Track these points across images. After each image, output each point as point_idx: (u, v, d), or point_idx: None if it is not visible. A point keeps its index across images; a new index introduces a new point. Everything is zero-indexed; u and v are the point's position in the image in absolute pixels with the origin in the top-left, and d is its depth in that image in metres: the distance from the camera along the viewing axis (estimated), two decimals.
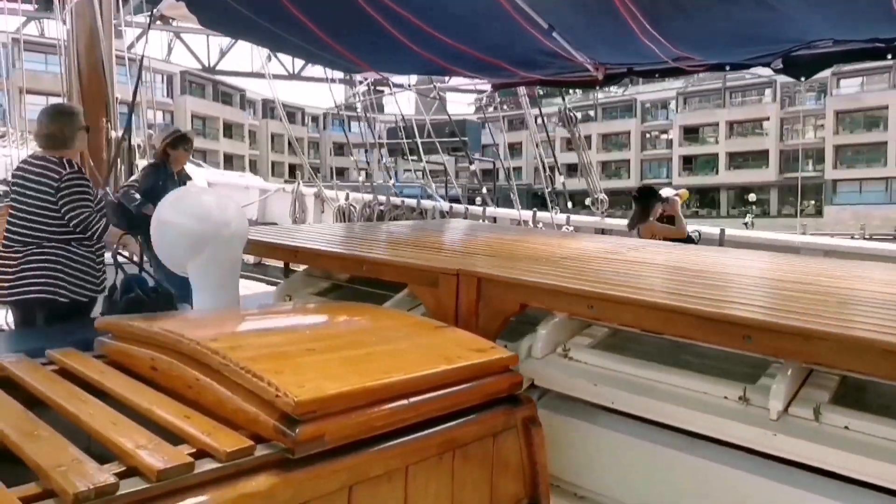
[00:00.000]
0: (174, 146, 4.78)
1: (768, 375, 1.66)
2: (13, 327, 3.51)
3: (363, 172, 8.28)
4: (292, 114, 57.37)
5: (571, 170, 9.46)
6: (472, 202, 7.87)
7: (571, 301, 1.75)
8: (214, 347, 1.32)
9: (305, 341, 1.45)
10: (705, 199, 50.39)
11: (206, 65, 31.62)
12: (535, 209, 6.62)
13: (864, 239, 19.10)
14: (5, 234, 3.27)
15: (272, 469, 1.11)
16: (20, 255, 3.18)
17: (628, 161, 52.42)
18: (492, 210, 6.80)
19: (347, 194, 7.98)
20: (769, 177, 47.81)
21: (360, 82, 9.55)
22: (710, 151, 50.42)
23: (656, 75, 5.02)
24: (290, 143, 55.00)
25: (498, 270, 1.98)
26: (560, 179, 6.70)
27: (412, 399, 1.34)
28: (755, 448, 1.52)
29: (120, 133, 5.77)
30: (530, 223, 6.30)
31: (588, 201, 6.46)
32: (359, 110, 8.90)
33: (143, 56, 5.50)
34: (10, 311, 5.18)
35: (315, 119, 58.76)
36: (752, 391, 1.58)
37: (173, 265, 2.56)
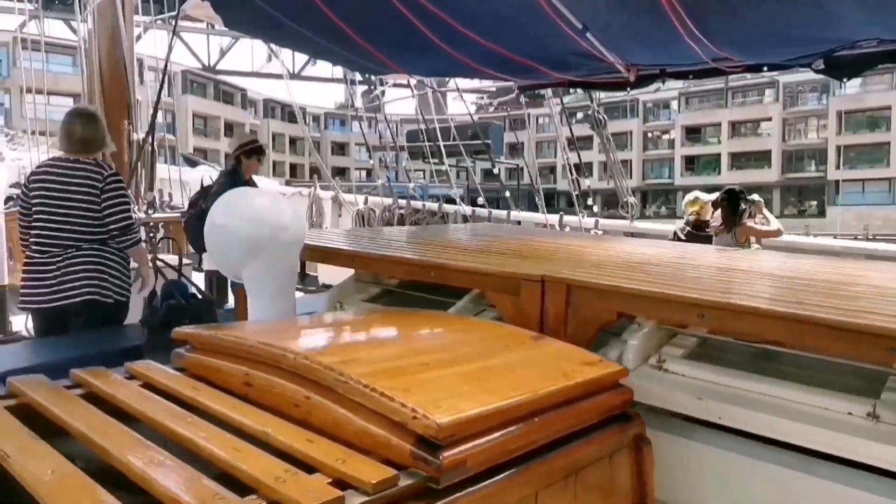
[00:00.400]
0: (248, 155, 4.81)
1: (891, 390, 1.56)
2: (34, 334, 3.41)
3: (381, 174, 8.18)
4: (293, 113, 57.21)
5: (576, 170, 9.38)
6: (474, 203, 7.78)
7: (679, 310, 1.65)
8: (327, 363, 1.22)
9: (414, 355, 1.35)
10: None
11: (207, 64, 31.55)
12: (561, 213, 6.52)
13: (868, 240, 19.01)
14: (36, 239, 3.16)
15: (416, 500, 1.00)
16: (59, 258, 3.09)
17: (630, 161, 52.40)
18: (516, 213, 6.69)
19: (366, 198, 7.87)
20: (772, 177, 47.76)
21: (371, 86, 9.44)
22: (712, 152, 50.39)
23: (690, 76, 4.93)
24: (291, 142, 55.07)
25: (590, 277, 1.88)
26: (586, 182, 6.60)
27: (541, 418, 1.24)
28: (891, 469, 1.41)
29: (141, 135, 5.67)
30: (556, 226, 6.20)
31: (615, 203, 6.35)
32: (380, 111, 8.77)
33: (167, 59, 5.40)
34: (29, 318, 5.13)
35: (316, 119, 58.69)
36: (882, 407, 1.47)
37: (227, 271, 2.46)
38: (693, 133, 51.39)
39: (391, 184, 8.71)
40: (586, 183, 6.68)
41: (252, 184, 4.88)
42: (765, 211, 4.88)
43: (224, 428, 1.18)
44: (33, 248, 3.17)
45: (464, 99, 7.81)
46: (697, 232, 5.05)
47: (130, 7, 5.68)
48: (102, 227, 3.18)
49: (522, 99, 6.71)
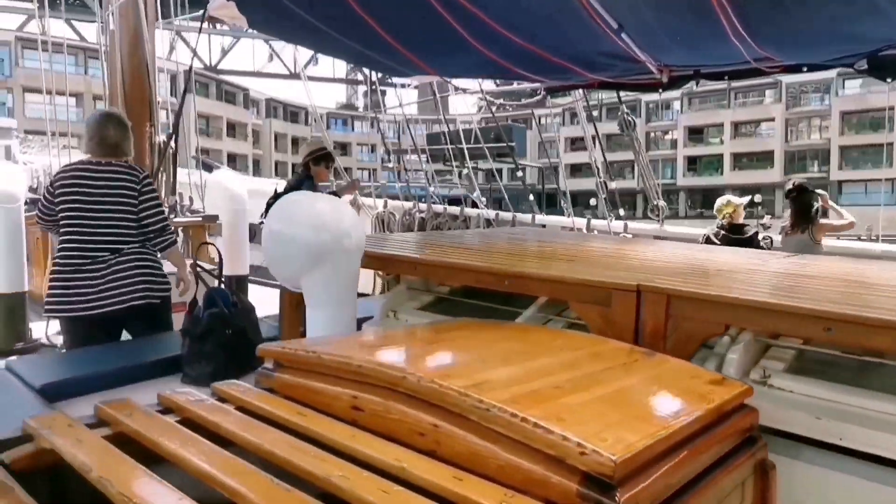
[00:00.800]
0: (316, 162, 4.84)
1: None
2: (67, 342, 3.30)
3: (402, 177, 8.04)
4: (295, 113, 57.25)
5: (576, 170, 9.29)
6: (475, 205, 7.66)
7: (801, 323, 1.54)
8: (460, 387, 1.10)
9: (540, 376, 1.24)
10: (710, 200, 50.25)
11: (209, 64, 31.49)
12: (588, 216, 6.39)
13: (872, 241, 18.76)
14: (71, 244, 3.04)
15: None
16: (102, 263, 3.02)
17: (632, 161, 52.30)
18: (541, 217, 6.56)
19: (385, 201, 7.73)
20: (774, 177, 47.68)
21: (374, 86, 9.30)
22: (714, 152, 50.31)
23: (725, 77, 4.85)
24: (293, 142, 54.91)
25: (692, 286, 1.76)
26: (612, 185, 6.48)
27: (691, 447, 1.13)
28: None
29: (162, 138, 5.56)
30: (584, 230, 6.07)
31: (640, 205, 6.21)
32: (391, 112, 8.66)
33: (192, 59, 5.30)
34: (50, 325, 4.99)
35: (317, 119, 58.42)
36: None
37: (286, 279, 2.35)
38: (695, 133, 51.31)
39: (399, 185, 8.65)
40: (612, 184, 6.57)
41: (320, 191, 4.83)
42: (831, 203, 4.64)
43: (344, 458, 1.07)
44: (66, 252, 3.06)
45: (486, 100, 7.67)
46: (733, 235, 4.93)
47: (153, 7, 5.57)
48: (139, 230, 3.16)
49: (549, 99, 6.60)
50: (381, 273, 3.22)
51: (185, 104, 5.66)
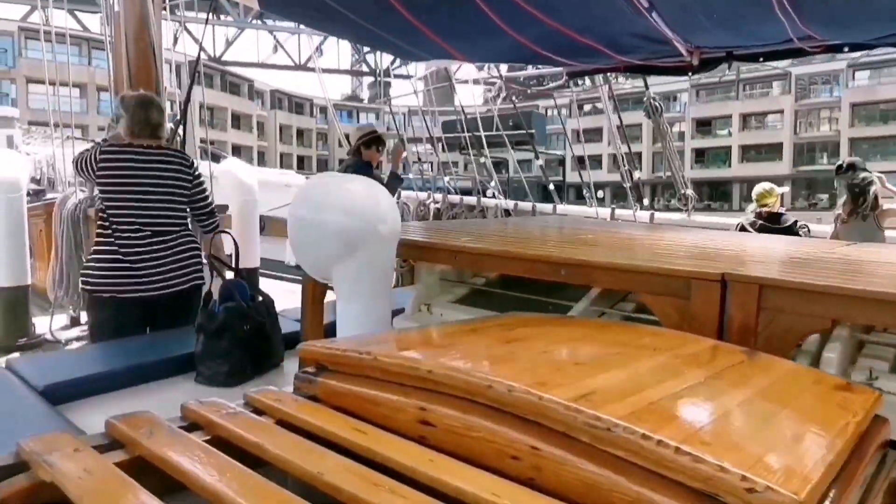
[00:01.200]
0: (367, 145, 4.82)
1: None
2: (96, 327, 3.14)
3: (425, 169, 7.79)
4: (300, 104, 56.94)
5: (582, 162, 9.07)
6: (484, 193, 7.44)
7: None
8: (564, 399, 0.88)
9: (650, 384, 1.01)
10: (717, 193, 49.92)
11: (213, 55, 31.30)
12: (613, 206, 6.12)
13: None
14: (129, 225, 3.01)
15: None
16: (160, 246, 3.06)
17: (640, 154, 51.94)
18: (562, 207, 6.30)
19: (399, 192, 7.48)
20: (783, 170, 47.28)
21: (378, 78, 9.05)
22: (723, 144, 49.90)
23: (760, 59, 4.63)
24: (298, 134, 54.69)
25: (788, 275, 1.54)
26: (637, 174, 6.23)
27: (847, 470, 0.90)
28: None
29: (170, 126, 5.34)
30: (608, 220, 5.82)
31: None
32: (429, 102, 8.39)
33: (200, 47, 5.08)
34: (54, 319, 4.79)
35: (323, 110, 58.24)
36: None
37: (314, 269, 2.13)
38: (703, 125, 50.89)
39: (412, 175, 8.40)
40: (637, 175, 6.32)
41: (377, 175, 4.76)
42: (888, 185, 4.30)
43: (423, 490, 0.85)
44: (118, 233, 3.02)
45: (508, 83, 7.39)
46: (772, 224, 4.68)
47: None
48: (187, 213, 3.25)
49: (572, 83, 6.34)
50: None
51: (191, 93, 5.44)
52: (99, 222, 3.14)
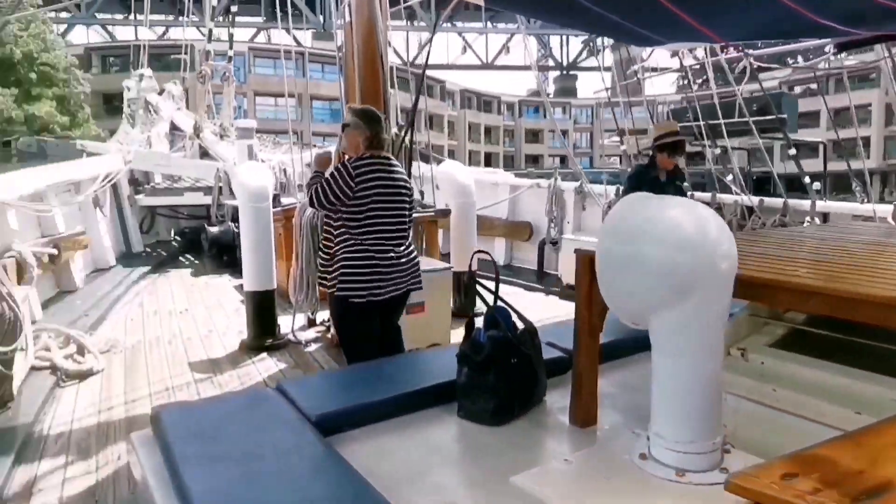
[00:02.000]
0: (660, 149, 4.27)
1: None
2: (344, 328, 3.45)
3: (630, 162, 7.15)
4: (488, 103, 57.78)
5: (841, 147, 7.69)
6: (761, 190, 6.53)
7: None
8: None
9: None
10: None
11: (407, 60, 32.74)
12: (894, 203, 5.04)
13: None
14: (382, 233, 3.29)
15: None
16: (401, 250, 3.37)
17: (869, 138, 45.44)
18: (823, 204, 5.32)
19: (617, 188, 6.94)
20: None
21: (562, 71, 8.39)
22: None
23: None
24: (486, 132, 55.66)
25: None
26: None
27: None
28: None
29: (395, 131, 5.36)
30: (891, 220, 4.75)
31: None
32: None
33: (427, 57, 5.05)
34: (296, 319, 5.00)
35: (510, 107, 58.70)
36: None
37: (628, 315, 1.76)
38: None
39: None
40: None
41: (678, 177, 4.35)
42: None
43: None
44: (375, 240, 3.28)
45: (755, 70, 6.49)
46: None
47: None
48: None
49: (841, 55, 5.31)
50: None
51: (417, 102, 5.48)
52: (342, 230, 3.27)
